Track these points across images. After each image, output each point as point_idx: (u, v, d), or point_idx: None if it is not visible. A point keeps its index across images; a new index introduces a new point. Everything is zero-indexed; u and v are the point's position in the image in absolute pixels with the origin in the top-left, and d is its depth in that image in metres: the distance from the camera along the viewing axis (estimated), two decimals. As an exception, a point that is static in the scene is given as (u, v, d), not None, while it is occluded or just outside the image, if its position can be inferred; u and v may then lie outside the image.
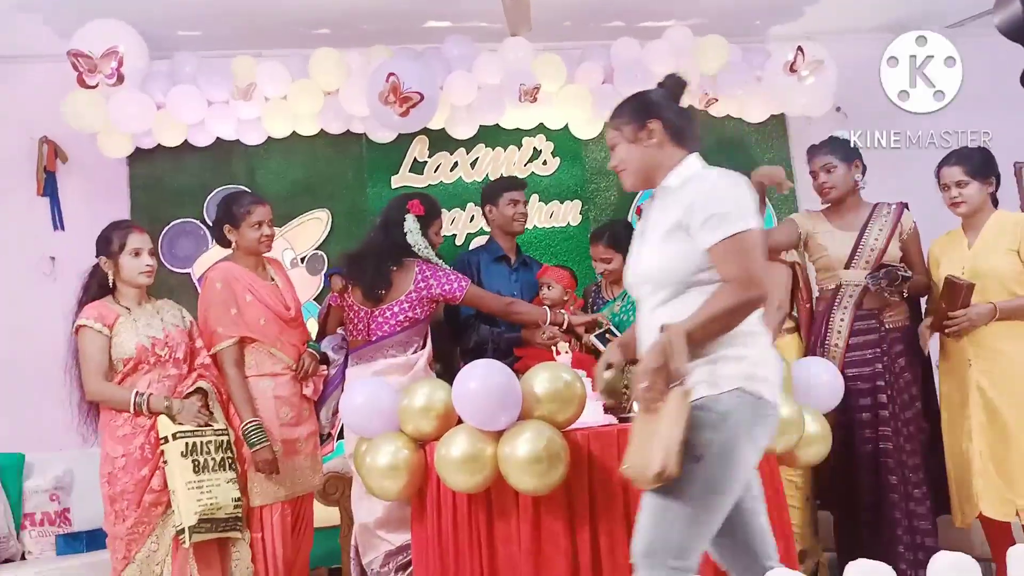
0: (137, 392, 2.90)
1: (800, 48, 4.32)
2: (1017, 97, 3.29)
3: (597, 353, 3.35)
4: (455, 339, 3.63)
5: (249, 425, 3.04)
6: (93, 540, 3.45)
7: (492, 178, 4.57)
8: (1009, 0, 3.21)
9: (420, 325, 3.26)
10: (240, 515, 3.00)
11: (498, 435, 2.46)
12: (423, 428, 2.69)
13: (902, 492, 3.11)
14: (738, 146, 4.79)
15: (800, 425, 2.62)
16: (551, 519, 2.41)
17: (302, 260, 4.50)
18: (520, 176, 4.35)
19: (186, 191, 4.48)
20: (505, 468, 2.40)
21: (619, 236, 3.55)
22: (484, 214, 3.92)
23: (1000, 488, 2.99)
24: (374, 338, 3.23)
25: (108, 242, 3.01)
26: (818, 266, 3.35)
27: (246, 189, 4.24)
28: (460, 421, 2.57)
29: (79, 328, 2.96)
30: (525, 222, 3.82)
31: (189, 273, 4.45)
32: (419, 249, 3.26)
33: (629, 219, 4.57)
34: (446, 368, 3.50)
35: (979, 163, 3.13)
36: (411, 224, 3.26)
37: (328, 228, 4.55)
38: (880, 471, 3.14)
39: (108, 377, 2.95)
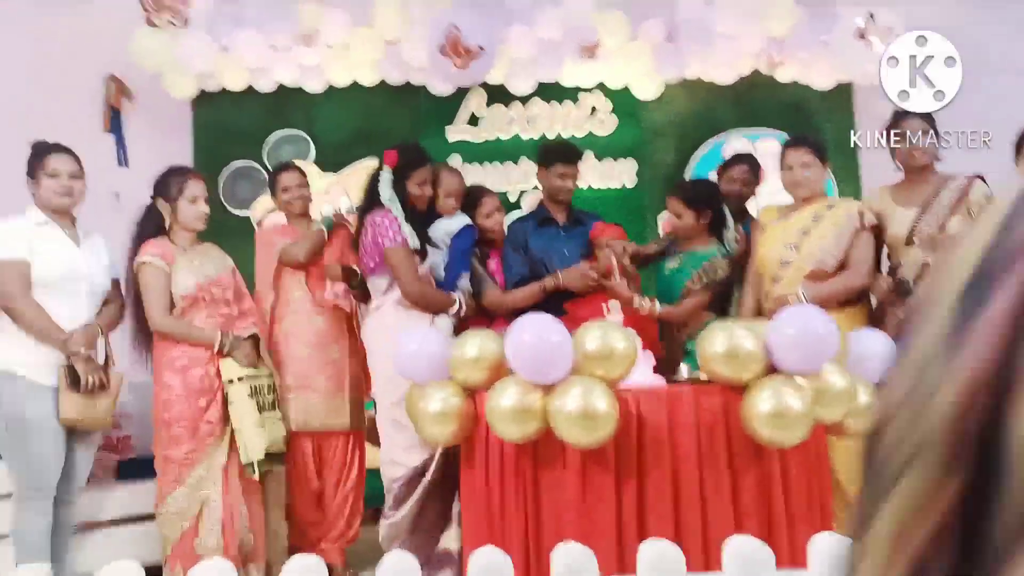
0: (223, 333, 3.09)
1: (871, 14, 4.21)
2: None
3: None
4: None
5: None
6: (152, 467, 3.58)
7: (548, 135, 4.53)
8: None
9: (381, 271, 3.24)
10: (285, 449, 3.26)
11: (548, 388, 2.49)
12: (473, 378, 2.72)
13: None
14: (801, 113, 4.69)
15: (852, 396, 2.61)
16: (597, 472, 2.44)
17: (356, 208, 4.54)
18: (578, 136, 4.29)
19: (247, 134, 4.54)
20: (554, 421, 2.43)
21: (695, 194, 3.40)
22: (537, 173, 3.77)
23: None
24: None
25: (167, 186, 3.15)
26: (887, 244, 3.31)
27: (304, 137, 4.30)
28: (510, 371, 2.60)
29: (141, 265, 3.08)
30: (570, 195, 3.63)
31: (248, 216, 4.53)
32: (385, 200, 3.25)
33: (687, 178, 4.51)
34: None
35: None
36: (385, 174, 3.26)
37: (383, 178, 4.58)
38: None
39: (168, 312, 3.08)
